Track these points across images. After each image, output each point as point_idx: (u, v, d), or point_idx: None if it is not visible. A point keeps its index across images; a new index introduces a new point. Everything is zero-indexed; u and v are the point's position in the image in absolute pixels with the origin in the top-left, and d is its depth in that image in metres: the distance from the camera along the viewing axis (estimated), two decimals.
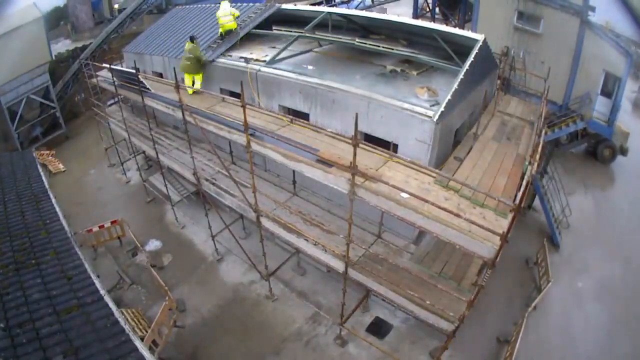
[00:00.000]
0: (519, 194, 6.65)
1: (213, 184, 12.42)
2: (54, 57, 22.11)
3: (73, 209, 16.23)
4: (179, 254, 14.60)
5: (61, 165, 19.82)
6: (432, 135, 8.55)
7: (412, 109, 8.77)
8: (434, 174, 7.79)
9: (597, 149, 17.83)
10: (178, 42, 14.67)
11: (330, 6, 20.13)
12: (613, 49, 13.04)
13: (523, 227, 15.35)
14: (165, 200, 15.94)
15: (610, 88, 13.73)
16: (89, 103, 20.05)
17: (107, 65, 14.26)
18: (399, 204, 7.11)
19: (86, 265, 7.17)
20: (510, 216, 6.32)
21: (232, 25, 13.03)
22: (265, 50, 12.76)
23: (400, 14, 12.29)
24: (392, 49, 10.84)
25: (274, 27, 13.31)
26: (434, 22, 20.63)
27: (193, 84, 12.36)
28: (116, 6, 28.88)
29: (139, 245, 14.38)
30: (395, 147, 9.29)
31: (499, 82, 12.56)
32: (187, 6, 18.87)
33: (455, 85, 8.85)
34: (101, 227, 14.20)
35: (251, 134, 8.99)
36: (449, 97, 8.61)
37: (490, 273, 6.65)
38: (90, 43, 22.48)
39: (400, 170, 8.08)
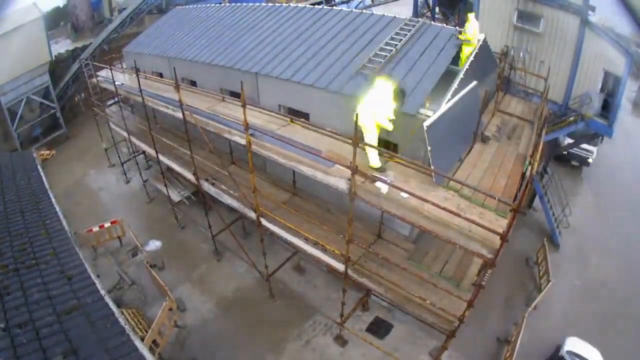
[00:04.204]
0: (519, 194, 6.64)
1: (213, 184, 12.43)
2: (54, 57, 22.08)
3: (73, 209, 16.25)
4: (179, 254, 14.60)
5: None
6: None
7: None
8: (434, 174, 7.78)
9: None
10: (178, 42, 14.68)
11: (330, 6, 20.14)
12: (613, 48, 13.03)
13: (523, 226, 15.37)
14: (166, 201, 15.94)
15: (610, 87, 13.71)
16: (89, 103, 20.06)
17: (107, 66, 14.28)
18: (399, 204, 7.11)
19: (86, 265, 7.16)
20: (510, 216, 6.32)
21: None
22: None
23: (400, 13, 12.26)
24: None
25: None
26: (434, 21, 20.62)
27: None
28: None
29: (139, 245, 14.39)
30: (395, 147, 9.28)
31: (498, 81, 12.55)
32: (187, 6, 18.89)
33: (455, 85, 8.84)
34: (101, 227, 14.21)
35: (251, 134, 8.99)
36: (448, 96, 8.60)
37: (490, 273, 6.65)
38: (90, 43, 22.48)
39: (400, 170, 8.08)
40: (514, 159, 9.20)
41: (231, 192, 11.79)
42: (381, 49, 9.99)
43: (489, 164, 8.88)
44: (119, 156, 18.46)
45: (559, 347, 10.94)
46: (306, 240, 9.99)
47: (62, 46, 24.86)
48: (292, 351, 11.17)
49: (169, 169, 14.88)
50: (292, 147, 8.43)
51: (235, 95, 11.66)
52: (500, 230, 6.02)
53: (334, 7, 13.47)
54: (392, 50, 9.81)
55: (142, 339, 7.55)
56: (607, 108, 13.60)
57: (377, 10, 13.44)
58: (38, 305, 6.13)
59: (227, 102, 11.61)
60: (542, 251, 13.80)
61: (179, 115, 11.10)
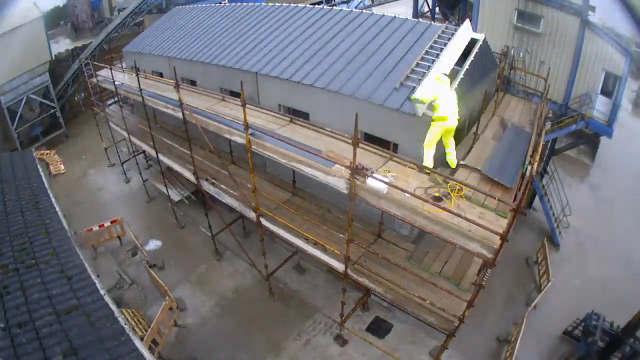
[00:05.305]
0: (519, 194, 6.64)
1: (213, 183, 12.43)
2: (54, 57, 22.10)
3: (73, 209, 16.25)
4: (179, 254, 14.60)
5: (62, 167, 19.85)
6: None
7: None
8: (433, 174, 7.77)
9: None
10: (178, 42, 14.68)
11: (330, 6, 20.14)
12: (613, 48, 13.05)
13: (523, 226, 15.37)
14: (166, 200, 15.94)
15: (610, 87, 13.74)
16: (89, 103, 20.06)
17: (107, 65, 14.29)
18: (399, 204, 7.11)
19: (86, 265, 7.15)
20: (510, 216, 6.32)
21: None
22: None
23: (400, 13, 12.25)
24: None
25: None
26: (434, 21, 20.63)
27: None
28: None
29: (139, 245, 14.39)
30: (395, 147, 9.28)
31: (499, 81, 12.56)
32: (187, 6, 18.88)
33: (455, 85, 8.83)
34: (101, 226, 14.22)
35: (251, 134, 8.99)
36: None
37: (490, 272, 6.65)
38: (90, 43, 22.50)
39: (400, 170, 8.08)
40: None
41: (231, 191, 11.79)
42: (422, 59, 9.56)
43: None
44: (118, 156, 18.47)
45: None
46: (306, 240, 9.99)
47: (62, 46, 24.91)
48: (292, 351, 11.17)
49: (169, 168, 14.87)
50: (292, 147, 8.43)
51: (235, 95, 11.66)
52: (500, 230, 6.02)
53: (334, 7, 13.42)
54: (433, 59, 9.41)
55: (142, 339, 7.55)
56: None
57: (377, 10, 13.45)
58: (38, 305, 6.12)
59: (227, 101, 11.61)
60: (542, 251, 13.80)
61: (179, 115, 11.11)
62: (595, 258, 14.30)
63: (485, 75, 11.08)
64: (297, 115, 10.52)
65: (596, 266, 13.97)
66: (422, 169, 7.91)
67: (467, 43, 9.92)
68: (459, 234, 6.54)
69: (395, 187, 7.06)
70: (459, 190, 7.25)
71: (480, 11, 17.00)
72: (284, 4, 13.87)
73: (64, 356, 5.20)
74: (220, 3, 17.27)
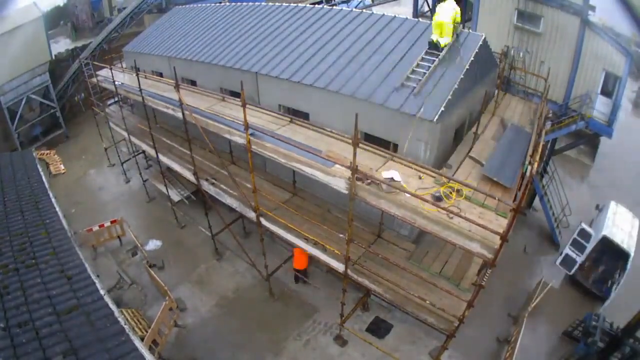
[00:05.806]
0: (519, 194, 6.65)
1: (213, 183, 12.43)
2: (54, 57, 22.09)
3: (73, 209, 16.26)
4: (179, 254, 14.59)
5: (62, 167, 19.84)
6: (432, 135, 8.55)
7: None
8: (434, 174, 7.78)
9: None
10: (178, 42, 14.68)
11: (330, 6, 20.14)
12: (613, 48, 13.04)
13: (524, 226, 15.37)
14: (166, 200, 15.94)
15: (610, 87, 13.73)
16: (89, 103, 20.06)
17: (107, 65, 14.29)
18: (399, 204, 7.11)
19: (86, 265, 7.14)
20: (510, 216, 6.32)
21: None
22: None
23: (400, 13, 12.25)
24: None
25: None
26: None
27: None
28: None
29: (139, 244, 14.39)
30: (395, 147, 9.28)
31: (499, 81, 12.56)
32: (187, 6, 18.88)
33: (455, 85, 8.84)
34: (101, 226, 14.21)
35: (251, 134, 8.99)
36: (449, 96, 8.60)
37: (490, 273, 6.65)
38: (90, 42, 22.48)
39: (400, 170, 8.08)
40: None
41: (231, 191, 11.79)
42: (423, 59, 9.60)
43: None
44: (118, 156, 18.46)
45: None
46: (306, 240, 9.99)
47: (62, 46, 24.87)
48: (292, 351, 11.17)
49: (169, 168, 14.87)
50: (292, 147, 8.43)
51: (235, 95, 11.67)
52: (500, 230, 6.03)
53: (334, 7, 13.41)
54: (433, 60, 9.46)
55: (142, 339, 7.55)
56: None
57: (377, 10, 13.45)
58: (38, 304, 6.12)
59: (227, 101, 11.61)
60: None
61: (179, 115, 11.11)
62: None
63: (485, 75, 11.09)
64: (297, 115, 10.53)
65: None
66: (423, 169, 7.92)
67: None
68: (459, 234, 6.55)
69: (395, 187, 7.06)
70: (458, 190, 7.27)
71: (480, 11, 17.00)
72: (284, 4, 13.86)
73: (64, 356, 5.20)
74: (220, 3, 17.28)
